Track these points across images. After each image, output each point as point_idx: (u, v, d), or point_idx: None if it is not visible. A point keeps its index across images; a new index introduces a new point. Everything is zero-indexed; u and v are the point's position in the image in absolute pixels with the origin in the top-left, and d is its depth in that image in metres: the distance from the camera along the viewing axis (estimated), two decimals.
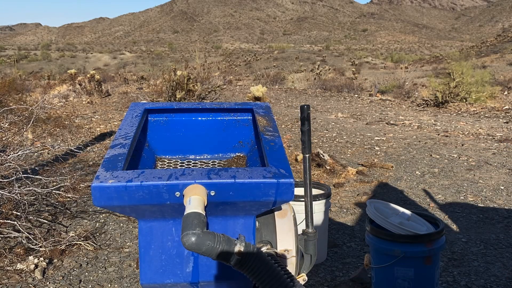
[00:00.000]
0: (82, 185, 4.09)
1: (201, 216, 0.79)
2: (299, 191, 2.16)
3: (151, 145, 1.21)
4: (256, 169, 0.90)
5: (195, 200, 0.81)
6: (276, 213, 0.98)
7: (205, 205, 0.83)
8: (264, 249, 0.92)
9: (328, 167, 4.86)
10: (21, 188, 3.27)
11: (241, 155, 1.23)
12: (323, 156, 4.95)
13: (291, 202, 0.98)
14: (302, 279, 1.02)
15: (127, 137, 1.01)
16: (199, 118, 1.24)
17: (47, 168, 4.64)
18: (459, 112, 9.29)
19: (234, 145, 1.24)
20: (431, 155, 5.56)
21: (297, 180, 3.36)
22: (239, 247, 0.78)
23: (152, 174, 0.85)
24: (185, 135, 1.24)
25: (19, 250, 3.01)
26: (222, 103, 1.25)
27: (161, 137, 1.22)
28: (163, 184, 0.83)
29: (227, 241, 0.78)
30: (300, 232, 1.10)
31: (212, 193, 0.84)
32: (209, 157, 1.21)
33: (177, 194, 0.84)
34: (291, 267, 0.96)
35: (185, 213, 0.79)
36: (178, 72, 9.16)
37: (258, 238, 0.96)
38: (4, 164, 3.41)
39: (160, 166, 1.16)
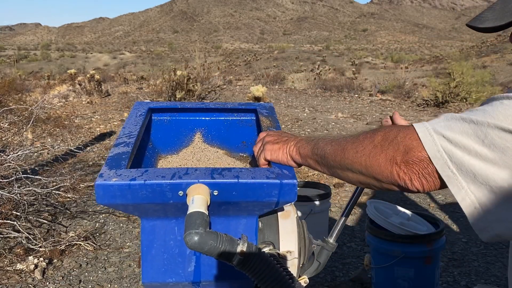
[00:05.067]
0: (82, 185, 4.09)
1: (204, 215, 0.78)
2: (299, 191, 2.15)
3: (154, 144, 1.21)
4: (259, 169, 0.90)
5: (198, 199, 0.81)
6: (279, 213, 0.98)
7: (208, 204, 0.83)
8: (266, 249, 0.91)
9: None
10: (20, 188, 3.27)
11: (245, 155, 1.23)
12: None
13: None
14: (303, 281, 1.02)
15: (131, 136, 1.01)
16: (203, 118, 1.24)
17: (47, 168, 4.63)
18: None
19: (237, 145, 1.24)
20: None
21: (299, 181, 3.36)
22: (241, 247, 0.78)
23: (156, 173, 0.85)
24: (188, 135, 1.24)
25: (19, 250, 3.00)
26: (226, 103, 1.25)
27: (165, 136, 1.23)
28: (167, 183, 0.82)
29: (229, 241, 0.77)
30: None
31: (215, 192, 0.84)
32: None
33: (180, 193, 0.83)
34: (293, 268, 0.96)
35: (188, 212, 0.79)
36: (178, 72, 9.16)
37: (261, 239, 0.95)
38: (4, 164, 3.41)
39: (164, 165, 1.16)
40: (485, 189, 0.61)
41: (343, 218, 1.12)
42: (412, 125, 0.68)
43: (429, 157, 0.64)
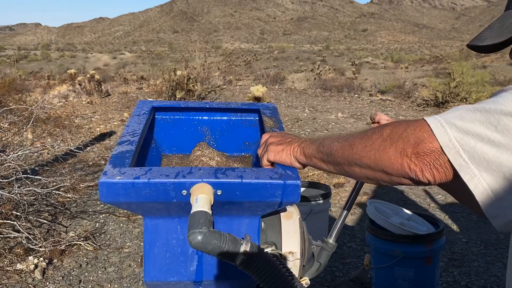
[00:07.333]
0: (82, 185, 4.09)
1: (208, 215, 0.78)
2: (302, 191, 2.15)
3: (157, 142, 1.22)
4: (263, 169, 0.90)
5: (201, 199, 0.81)
6: (282, 214, 0.98)
7: (212, 204, 0.83)
8: (268, 250, 0.91)
9: None
10: (21, 188, 3.27)
11: (247, 155, 1.23)
12: None
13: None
14: (305, 282, 1.02)
15: (135, 134, 1.01)
16: (206, 118, 1.24)
17: (47, 168, 4.64)
18: None
19: (240, 146, 1.24)
20: None
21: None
22: (245, 247, 0.78)
23: (160, 171, 0.85)
24: (192, 134, 1.24)
25: (19, 250, 3.00)
26: (229, 103, 1.25)
27: (168, 135, 1.23)
28: (170, 182, 0.82)
29: (233, 241, 0.77)
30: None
31: (219, 192, 0.84)
32: None
33: (184, 192, 0.83)
34: (295, 269, 0.96)
35: (191, 212, 0.79)
36: (178, 72, 9.15)
37: (263, 239, 0.95)
38: (4, 164, 3.41)
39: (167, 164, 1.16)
40: (498, 176, 0.61)
41: (343, 216, 1.12)
42: (423, 118, 0.69)
43: (441, 147, 0.64)
